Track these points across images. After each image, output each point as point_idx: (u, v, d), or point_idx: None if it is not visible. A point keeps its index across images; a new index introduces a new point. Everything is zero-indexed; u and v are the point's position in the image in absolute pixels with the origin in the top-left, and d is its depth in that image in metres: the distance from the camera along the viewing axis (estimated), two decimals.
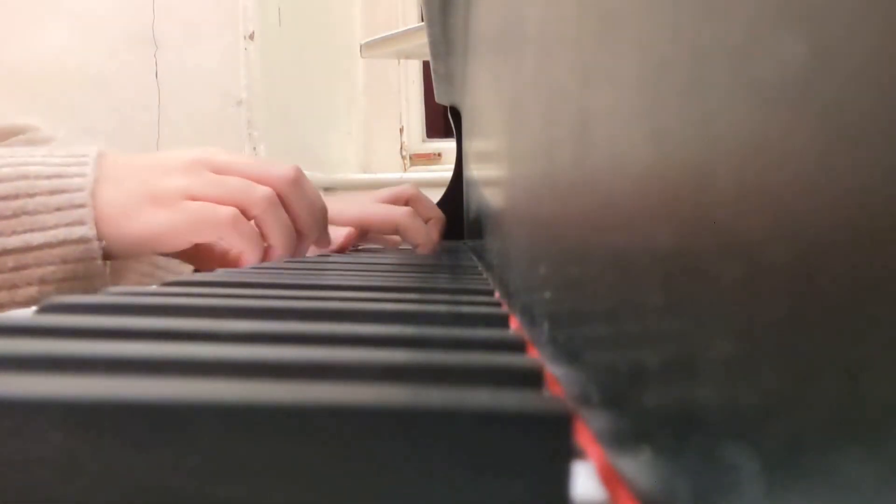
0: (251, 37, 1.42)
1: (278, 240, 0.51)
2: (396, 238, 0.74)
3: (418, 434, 0.11)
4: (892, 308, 0.06)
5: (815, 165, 0.07)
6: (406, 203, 0.72)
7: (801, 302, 0.07)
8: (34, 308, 0.22)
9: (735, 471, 0.08)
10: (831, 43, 0.06)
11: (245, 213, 0.50)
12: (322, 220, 0.56)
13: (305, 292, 0.27)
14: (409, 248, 0.70)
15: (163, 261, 0.62)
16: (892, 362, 0.06)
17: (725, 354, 0.09)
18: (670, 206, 0.11)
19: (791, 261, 0.07)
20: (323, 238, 0.57)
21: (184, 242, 0.48)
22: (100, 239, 0.47)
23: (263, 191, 0.51)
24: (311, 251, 0.62)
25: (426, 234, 0.67)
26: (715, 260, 0.09)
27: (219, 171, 0.51)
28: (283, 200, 0.52)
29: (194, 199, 0.49)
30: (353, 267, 0.43)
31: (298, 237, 0.54)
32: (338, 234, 0.63)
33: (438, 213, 0.75)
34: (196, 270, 0.58)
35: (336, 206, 0.66)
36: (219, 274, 0.36)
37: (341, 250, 0.64)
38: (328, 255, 0.60)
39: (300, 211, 0.53)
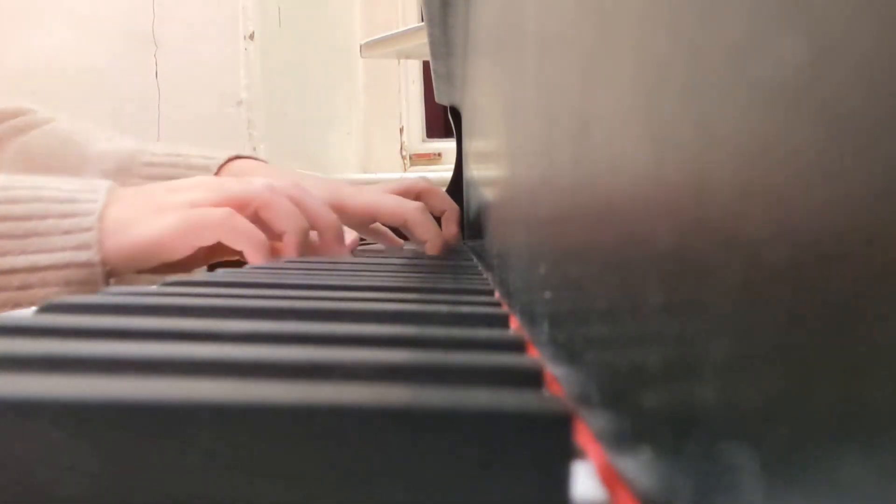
0: (251, 37, 1.42)
1: (287, 225, 0.50)
2: (399, 240, 0.73)
3: (418, 434, 0.11)
4: (893, 308, 0.06)
5: (815, 165, 0.07)
6: (417, 197, 0.70)
7: (801, 302, 0.07)
8: (34, 308, 0.22)
9: (735, 471, 0.08)
10: (831, 43, 0.06)
11: (246, 210, 0.49)
12: (335, 223, 0.55)
13: (305, 292, 0.27)
14: (415, 246, 0.69)
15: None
16: (892, 362, 0.06)
17: (725, 354, 0.09)
18: (670, 205, 0.11)
19: (791, 261, 0.07)
20: (336, 243, 0.55)
21: (183, 248, 0.48)
22: (104, 263, 0.47)
23: (261, 182, 0.50)
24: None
25: (435, 234, 0.65)
26: (715, 260, 0.09)
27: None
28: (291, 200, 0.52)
29: (195, 207, 0.49)
30: (353, 267, 0.43)
31: (312, 228, 0.52)
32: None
33: (453, 205, 0.72)
34: None
35: (346, 190, 0.64)
36: (219, 274, 0.36)
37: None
38: (328, 256, 0.59)
39: (309, 205, 0.52)
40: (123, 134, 0.76)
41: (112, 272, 0.48)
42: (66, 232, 0.47)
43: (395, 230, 0.71)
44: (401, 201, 0.65)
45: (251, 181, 0.51)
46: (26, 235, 0.46)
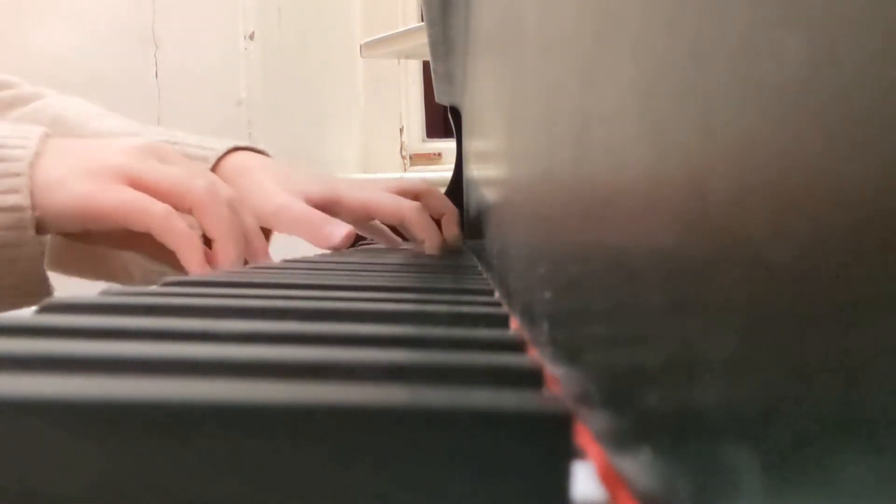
0: (251, 37, 1.42)
1: (220, 233, 0.48)
2: (397, 238, 0.72)
3: (418, 434, 0.11)
4: (893, 308, 0.06)
5: (816, 165, 0.07)
6: (416, 198, 0.69)
7: (801, 302, 0.07)
8: (34, 308, 0.22)
9: (735, 471, 0.08)
10: (831, 43, 0.06)
11: (180, 204, 0.48)
12: (258, 239, 0.53)
13: (305, 292, 0.27)
14: (412, 246, 0.69)
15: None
16: (892, 362, 0.06)
17: (725, 354, 0.09)
18: (670, 205, 0.11)
19: (791, 261, 0.07)
20: (255, 251, 0.53)
21: (111, 223, 0.46)
22: (34, 208, 0.46)
23: (205, 182, 0.48)
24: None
25: (433, 233, 0.64)
26: (715, 260, 0.09)
27: (164, 162, 0.49)
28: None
29: (131, 180, 0.47)
30: (353, 267, 0.43)
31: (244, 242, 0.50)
32: (338, 231, 0.60)
33: (452, 207, 0.71)
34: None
35: (343, 185, 0.64)
36: (219, 274, 0.36)
37: (339, 249, 0.62)
38: (328, 255, 0.59)
39: (247, 221, 0.51)
40: (112, 112, 0.74)
41: (39, 225, 0.47)
42: None
43: (393, 229, 0.71)
44: (399, 200, 0.65)
45: (194, 175, 0.49)
46: None
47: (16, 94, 0.69)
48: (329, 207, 0.62)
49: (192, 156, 0.62)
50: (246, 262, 0.51)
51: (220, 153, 0.63)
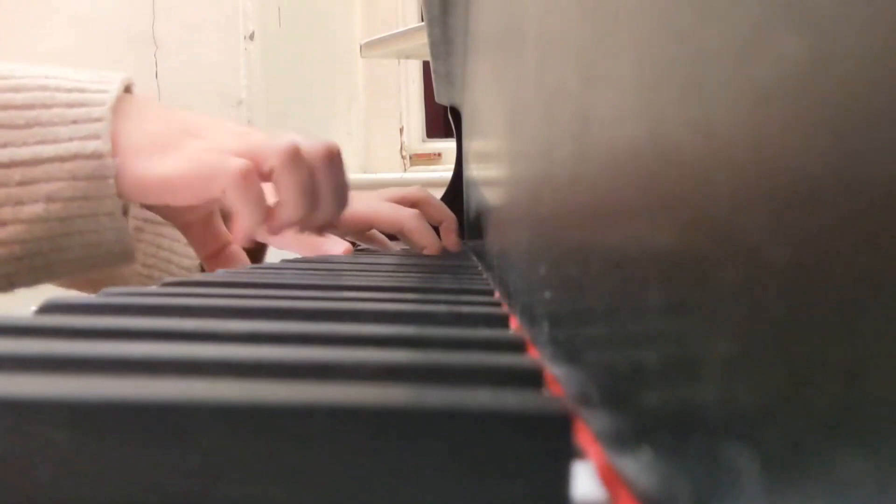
0: (251, 37, 1.42)
1: (290, 195, 0.45)
2: (395, 247, 0.73)
3: (418, 434, 0.11)
4: (892, 308, 0.06)
5: (815, 166, 0.07)
6: (413, 206, 0.70)
7: (801, 302, 0.07)
8: (34, 308, 0.22)
9: (735, 471, 0.08)
10: (831, 43, 0.06)
11: (261, 166, 0.44)
12: (342, 204, 0.49)
13: (305, 292, 0.27)
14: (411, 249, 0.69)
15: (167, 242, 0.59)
16: (893, 362, 0.06)
17: (725, 354, 0.09)
18: (670, 206, 0.11)
19: (791, 261, 0.07)
20: (333, 224, 0.50)
21: (192, 195, 0.44)
22: (114, 156, 0.43)
23: (285, 144, 0.45)
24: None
25: (433, 238, 0.65)
26: (715, 260, 0.09)
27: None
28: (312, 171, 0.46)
29: (217, 153, 0.44)
30: (353, 267, 0.43)
31: (314, 210, 0.47)
32: (334, 251, 0.61)
33: (450, 215, 0.72)
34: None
35: None
36: (219, 274, 0.36)
37: None
38: (328, 256, 0.59)
39: (326, 183, 0.47)
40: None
41: (121, 193, 0.44)
42: (74, 121, 0.43)
43: (392, 238, 0.71)
44: (397, 209, 0.66)
45: (280, 136, 0.46)
46: (28, 125, 0.42)
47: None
48: None
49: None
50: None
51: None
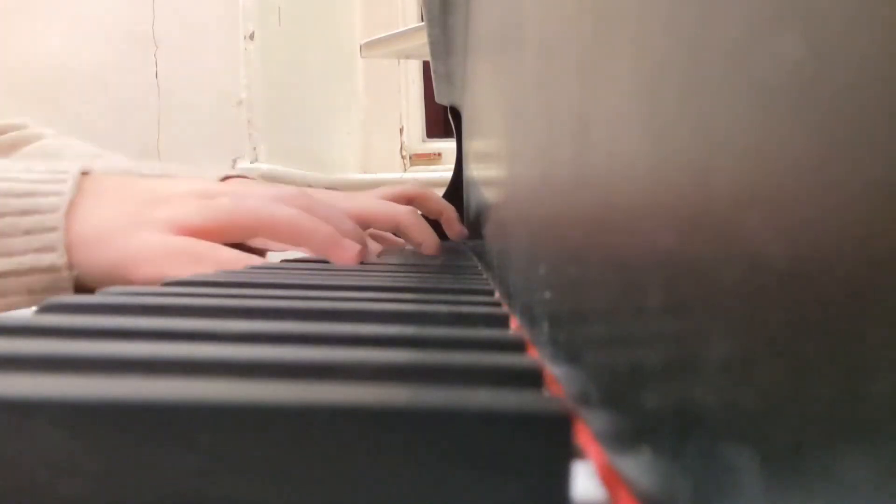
0: (251, 37, 1.42)
1: (314, 238, 0.44)
2: (398, 240, 0.73)
3: (418, 434, 0.11)
4: (893, 308, 0.06)
5: (815, 166, 0.07)
6: (409, 202, 0.69)
7: (801, 302, 0.07)
8: (34, 308, 0.22)
9: (735, 471, 0.08)
10: (831, 43, 0.06)
11: (252, 235, 0.44)
12: (356, 230, 0.49)
13: (305, 292, 0.27)
14: (411, 247, 0.69)
15: None
16: (893, 362, 0.06)
17: (725, 354, 0.09)
18: (670, 206, 0.11)
19: (791, 261, 0.07)
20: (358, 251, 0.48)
21: (160, 276, 0.41)
22: (71, 268, 0.41)
23: (261, 195, 0.44)
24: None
25: (430, 235, 0.64)
26: (715, 260, 0.09)
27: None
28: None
29: (178, 229, 0.43)
30: (353, 267, 0.43)
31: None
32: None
33: (447, 205, 0.71)
34: None
35: (336, 198, 0.65)
36: (219, 274, 0.36)
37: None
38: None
39: (321, 211, 0.46)
40: (108, 151, 0.74)
41: (78, 285, 0.42)
42: (27, 232, 0.41)
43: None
44: (392, 206, 0.65)
45: (249, 194, 0.45)
46: None
47: (18, 136, 0.67)
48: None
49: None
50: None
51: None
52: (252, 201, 0.44)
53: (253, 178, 0.67)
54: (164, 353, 0.15)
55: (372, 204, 0.65)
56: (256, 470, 0.11)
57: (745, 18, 0.08)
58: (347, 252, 0.45)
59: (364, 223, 0.66)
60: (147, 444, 0.11)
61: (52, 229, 0.41)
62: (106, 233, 0.42)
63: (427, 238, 0.64)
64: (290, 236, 0.44)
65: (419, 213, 0.66)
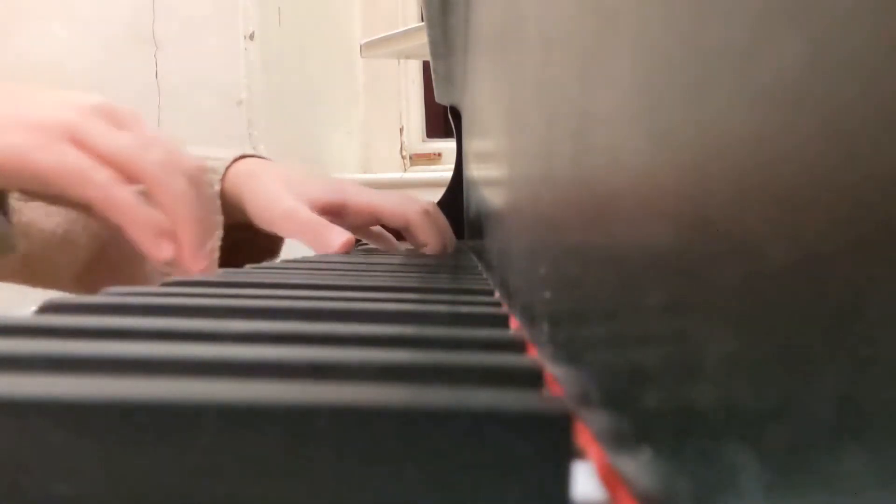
0: (251, 37, 1.42)
1: (176, 210, 0.41)
2: (398, 244, 0.72)
3: (418, 434, 0.11)
4: (893, 308, 0.06)
5: (816, 166, 0.07)
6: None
7: (801, 302, 0.07)
8: (34, 308, 0.22)
9: (735, 471, 0.08)
10: (832, 44, 0.06)
11: (131, 177, 0.41)
12: (210, 230, 0.45)
13: (305, 292, 0.27)
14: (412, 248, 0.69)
15: None
16: (893, 362, 0.06)
17: (725, 354, 0.09)
18: (669, 205, 0.11)
19: (791, 261, 0.07)
20: (200, 251, 0.43)
21: (47, 187, 0.40)
22: None
23: (160, 151, 0.41)
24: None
25: (435, 236, 0.63)
26: (715, 260, 0.09)
27: (121, 127, 0.42)
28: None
29: (76, 140, 0.40)
30: (353, 267, 0.43)
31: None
32: (337, 239, 0.60)
33: (444, 231, 0.70)
34: None
35: (351, 189, 0.63)
36: (219, 274, 0.36)
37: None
38: (328, 255, 0.59)
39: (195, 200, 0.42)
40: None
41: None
42: None
43: (396, 234, 0.71)
44: (404, 200, 0.65)
45: (151, 143, 0.42)
46: None
47: None
48: (335, 211, 0.62)
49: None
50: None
51: (229, 161, 0.61)
52: (156, 149, 0.42)
53: (266, 158, 0.66)
54: (164, 353, 0.15)
55: (384, 198, 0.64)
56: (256, 470, 0.11)
57: (747, 19, 0.08)
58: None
59: (373, 216, 0.64)
60: (147, 444, 0.11)
61: None
62: None
63: (432, 241, 0.64)
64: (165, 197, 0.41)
65: (430, 214, 0.65)
